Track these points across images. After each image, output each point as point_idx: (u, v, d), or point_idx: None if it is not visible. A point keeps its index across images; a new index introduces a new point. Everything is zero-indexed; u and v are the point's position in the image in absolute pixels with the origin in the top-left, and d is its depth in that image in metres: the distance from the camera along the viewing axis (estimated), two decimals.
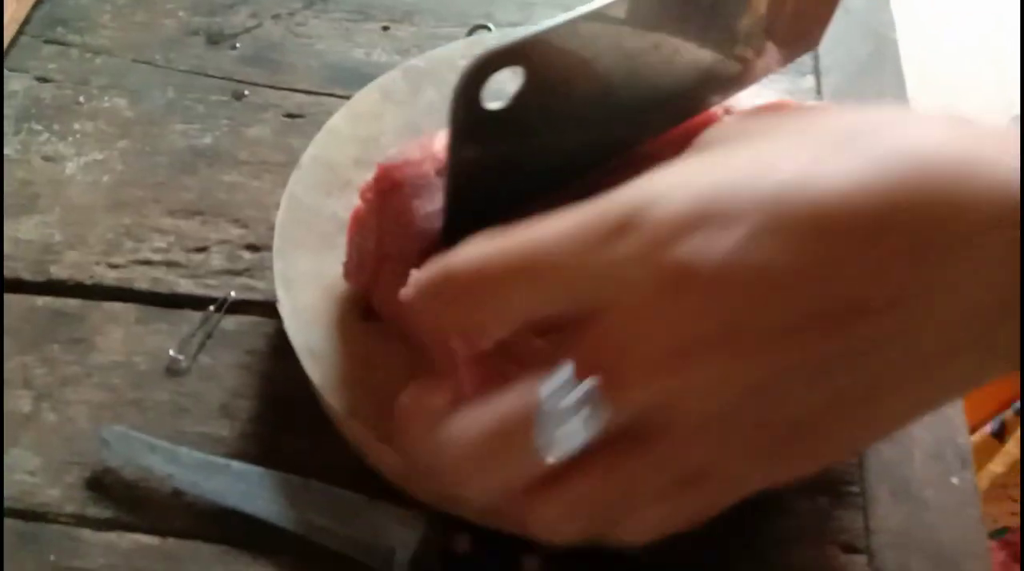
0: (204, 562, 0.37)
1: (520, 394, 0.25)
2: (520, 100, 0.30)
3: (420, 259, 0.37)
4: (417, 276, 0.28)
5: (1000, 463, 0.71)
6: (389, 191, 0.37)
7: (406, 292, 0.28)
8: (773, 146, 0.26)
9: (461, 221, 0.32)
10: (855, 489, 0.40)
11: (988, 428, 0.75)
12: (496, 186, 0.34)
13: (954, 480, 0.40)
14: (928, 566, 0.38)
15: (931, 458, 0.41)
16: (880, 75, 0.54)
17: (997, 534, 0.68)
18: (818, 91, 0.53)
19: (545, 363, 0.25)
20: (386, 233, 0.38)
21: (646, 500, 0.27)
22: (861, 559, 0.38)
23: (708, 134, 0.31)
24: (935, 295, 0.23)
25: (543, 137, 0.33)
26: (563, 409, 0.24)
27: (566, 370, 0.24)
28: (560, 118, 0.33)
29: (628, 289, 0.24)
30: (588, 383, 0.24)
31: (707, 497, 0.27)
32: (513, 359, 0.29)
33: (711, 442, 0.25)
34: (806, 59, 0.54)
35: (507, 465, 0.26)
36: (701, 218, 0.23)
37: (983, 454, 0.73)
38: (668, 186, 0.25)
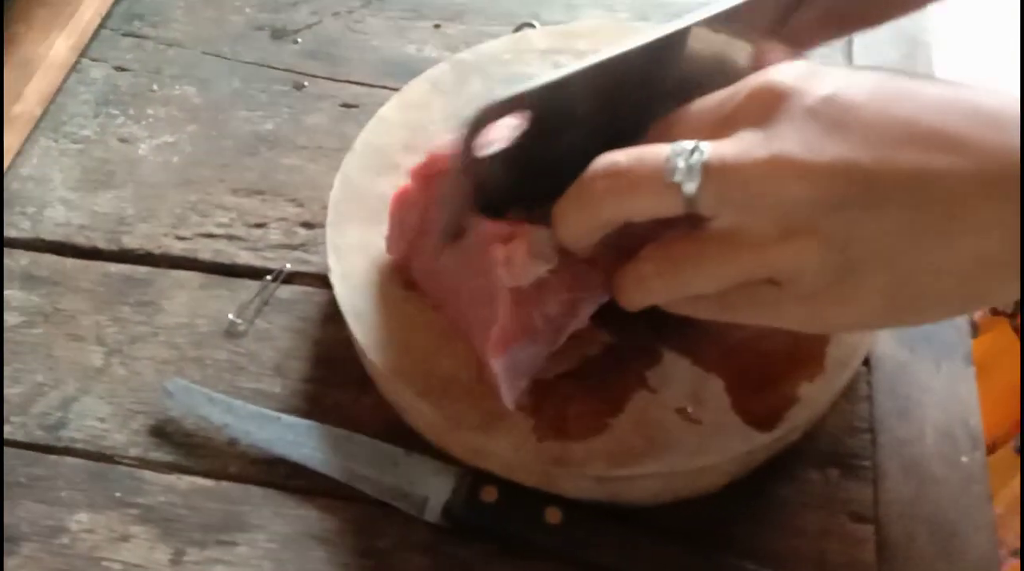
0: (254, 503, 0.41)
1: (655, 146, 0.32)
2: (522, 140, 0.35)
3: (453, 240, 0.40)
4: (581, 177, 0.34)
5: None
6: (435, 175, 0.40)
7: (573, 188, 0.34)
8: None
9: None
10: (866, 463, 0.42)
11: (1012, 444, 0.75)
12: (498, 196, 0.37)
13: (964, 459, 0.42)
14: (933, 538, 0.40)
15: (942, 437, 0.43)
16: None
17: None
18: None
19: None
20: (428, 212, 0.41)
21: (721, 284, 0.33)
22: (868, 528, 0.40)
23: None
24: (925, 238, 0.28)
25: (542, 162, 0.36)
26: (679, 156, 0.31)
27: (687, 144, 0.31)
28: (559, 148, 0.36)
29: (768, 117, 0.31)
30: (699, 152, 0.31)
31: (773, 309, 0.33)
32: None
33: (779, 248, 0.30)
34: (840, 58, 0.56)
35: (632, 197, 0.32)
36: (826, 85, 0.30)
37: (1005, 471, 0.73)
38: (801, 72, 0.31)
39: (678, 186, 0.30)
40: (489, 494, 0.39)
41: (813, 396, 0.39)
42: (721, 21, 0.35)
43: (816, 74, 0.31)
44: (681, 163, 0.30)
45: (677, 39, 0.35)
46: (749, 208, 0.30)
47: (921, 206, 0.28)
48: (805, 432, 0.41)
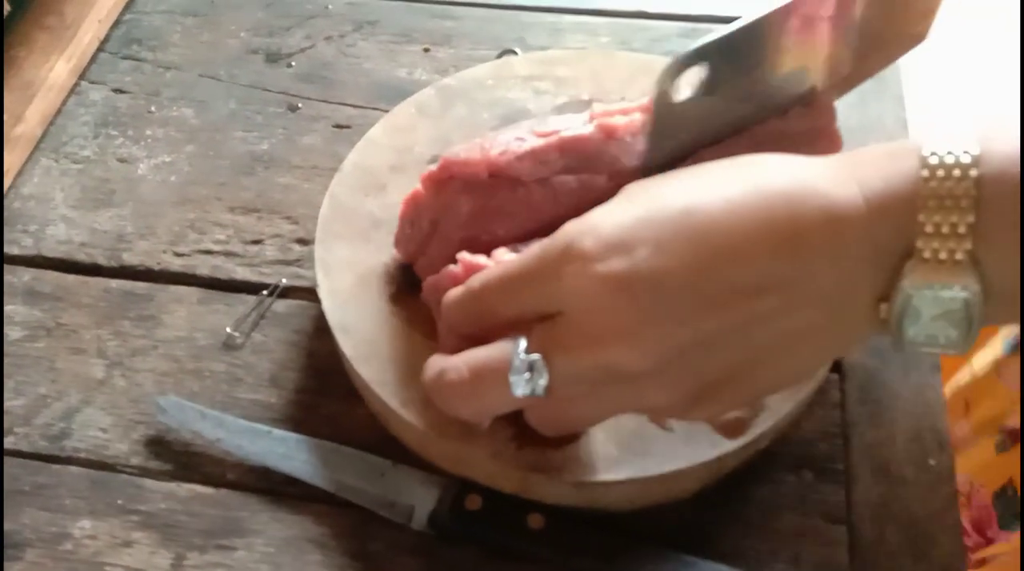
0: (251, 509, 0.42)
1: (499, 348, 0.36)
2: (705, 90, 0.38)
3: (459, 244, 0.42)
4: (449, 294, 0.39)
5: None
6: (445, 181, 0.42)
7: (447, 298, 0.39)
8: (675, 183, 0.35)
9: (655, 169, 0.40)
10: (839, 466, 0.44)
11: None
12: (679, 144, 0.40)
13: (931, 462, 0.44)
14: (903, 537, 0.42)
15: (911, 441, 0.44)
16: (881, 99, 0.58)
17: None
18: None
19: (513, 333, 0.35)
20: (437, 215, 0.43)
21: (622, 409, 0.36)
22: (841, 529, 0.42)
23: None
24: (801, 283, 0.31)
25: (713, 114, 0.39)
26: (520, 365, 0.34)
27: (522, 342, 0.35)
28: (727, 99, 0.39)
29: (575, 295, 0.33)
30: (535, 355, 0.34)
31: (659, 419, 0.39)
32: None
33: (651, 389, 0.34)
34: None
35: (490, 393, 0.36)
36: (618, 243, 0.32)
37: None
38: (596, 221, 0.34)
39: (531, 394, 0.35)
40: (473, 502, 0.41)
41: (778, 405, 0.41)
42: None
43: (621, 242, 0.33)
44: (523, 382, 0.35)
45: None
46: (604, 378, 0.34)
47: (750, 333, 0.32)
48: (776, 438, 0.43)
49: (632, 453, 0.40)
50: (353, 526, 0.42)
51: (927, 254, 0.30)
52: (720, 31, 0.37)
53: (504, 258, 0.39)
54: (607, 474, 0.39)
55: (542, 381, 0.34)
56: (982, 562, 0.72)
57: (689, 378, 0.33)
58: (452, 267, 0.40)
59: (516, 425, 0.40)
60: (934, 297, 0.30)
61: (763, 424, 0.41)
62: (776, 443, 0.43)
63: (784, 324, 0.32)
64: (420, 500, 0.41)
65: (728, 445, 0.40)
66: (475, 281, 0.38)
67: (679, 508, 0.42)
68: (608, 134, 0.42)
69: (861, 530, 0.42)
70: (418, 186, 0.44)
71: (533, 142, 0.42)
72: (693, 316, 0.32)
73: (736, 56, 0.38)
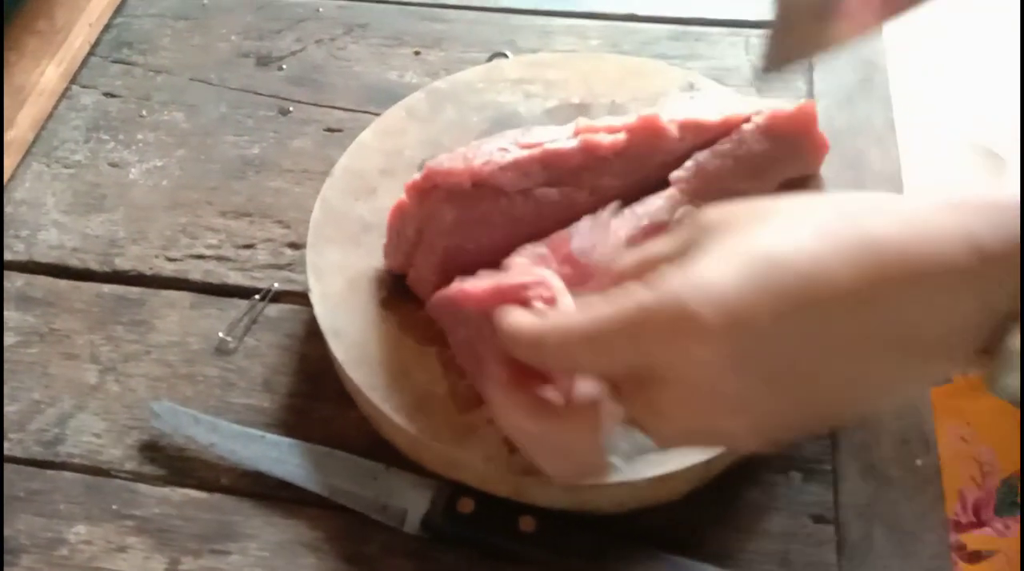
0: (245, 513, 0.43)
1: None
2: None
3: (444, 252, 0.42)
4: (513, 324, 0.35)
5: None
6: (429, 190, 0.43)
7: (502, 324, 0.35)
8: (777, 230, 0.32)
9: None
10: (827, 467, 0.44)
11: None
12: None
13: (918, 462, 0.44)
14: (890, 537, 0.42)
15: (898, 442, 0.45)
16: (869, 100, 0.58)
17: None
18: None
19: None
20: (422, 224, 0.43)
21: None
22: (829, 528, 0.42)
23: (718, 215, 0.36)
24: (913, 339, 0.30)
25: None
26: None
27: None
28: None
29: (691, 367, 0.31)
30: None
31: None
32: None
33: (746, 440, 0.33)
34: (800, 84, 0.59)
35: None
36: (738, 315, 0.30)
37: None
38: (706, 281, 0.31)
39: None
40: (466, 505, 0.41)
41: None
42: None
43: (705, 288, 0.31)
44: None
45: None
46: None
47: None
48: None
49: (622, 457, 0.40)
50: (346, 530, 0.42)
51: None
52: None
53: (546, 279, 0.37)
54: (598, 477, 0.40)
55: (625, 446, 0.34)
56: (977, 556, 0.73)
57: (786, 424, 0.33)
58: (463, 283, 0.39)
59: None
60: None
61: None
62: None
63: (889, 374, 0.32)
64: (413, 503, 0.42)
65: (715, 449, 0.40)
66: (555, 325, 0.34)
67: (669, 510, 0.42)
68: (591, 151, 0.42)
69: (848, 530, 0.42)
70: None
71: (516, 153, 0.42)
72: (810, 390, 0.31)
73: None
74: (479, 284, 0.38)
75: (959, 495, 0.68)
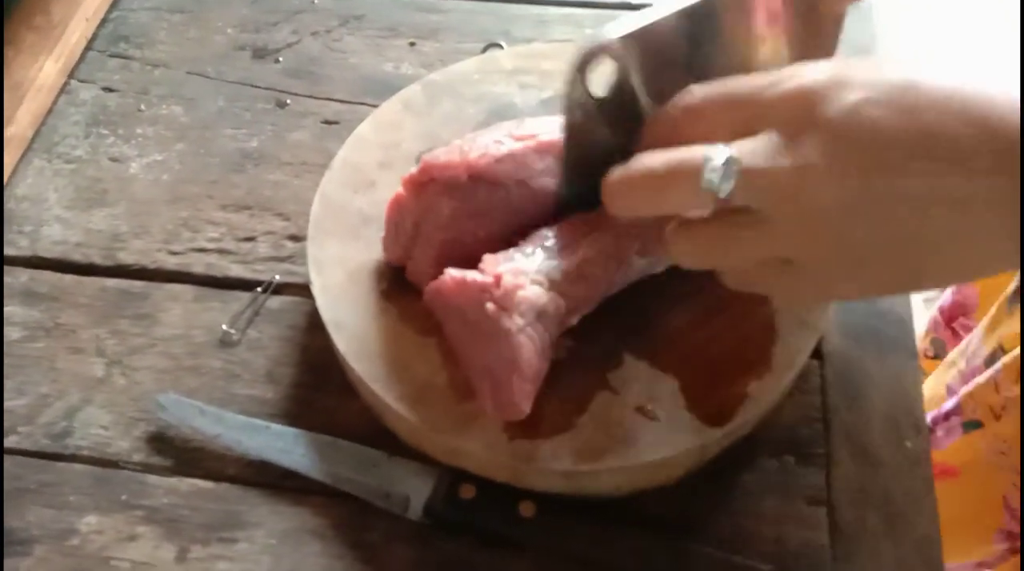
0: (252, 503, 0.44)
1: (695, 150, 0.35)
2: (617, 87, 0.38)
3: (441, 245, 0.43)
4: (622, 171, 0.37)
5: None
6: (426, 183, 0.43)
7: (611, 178, 0.38)
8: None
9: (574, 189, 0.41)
10: (820, 450, 0.45)
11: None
12: (599, 154, 0.40)
13: (908, 444, 0.45)
14: (881, 518, 0.43)
15: (888, 424, 0.46)
16: None
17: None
18: None
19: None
20: (419, 217, 0.44)
21: (746, 262, 0.37)
22: (822, 511, 0.43)
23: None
24: (998, 189, 0.31)
25: (632, 116, 0.39)
26: (717, 160, 0.34)
27: (722, 146, 0.34)
28: (649, 94, 0.39)
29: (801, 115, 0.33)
30: (734, 153, 0.34)
31: (789, 284, 0.37)
32: None
33: (801, 239, 0.34)
34: None
35: (677, 189, 0.36)
36: (851, 85, 0.33)
37: None
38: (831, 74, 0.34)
39: (714, 191, 0.34)
40: (467, 491, 0.42)
41: (761, 393, 0.42)
42: None
43: (844, 83, 0.33)
44: (715, 175, 0.34)
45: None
46: (775, 207, 0.34)
47: (929, 210, 0.32)
48: (761, 423, 0.44)
49: (619, 442, 0.41)
50: (350, 517, 0.43)
51: None
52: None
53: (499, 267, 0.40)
54: (596, 463, 0.41)
55: (727, 185, 0.34)
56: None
57: (859, 236, 0.33)
58: (453, 272, 0.41)
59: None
60: None
61: (746, 412, 0.42)
62: (759, 429, 0.45)
63: (963, 218, 0.32)
64: (415, 490, 0.43)
65: (712, 433, 0.41)
66: (693, 93, 0.37)
67: (665, 494, 0.43)
68: None
69: (841, 512, 0.43)
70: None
71: (511, 145, 0.43)
72: (898, 171, 0.32)
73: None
74: (450, 278, 0.41)
75: (1004, 502, 0.68)
